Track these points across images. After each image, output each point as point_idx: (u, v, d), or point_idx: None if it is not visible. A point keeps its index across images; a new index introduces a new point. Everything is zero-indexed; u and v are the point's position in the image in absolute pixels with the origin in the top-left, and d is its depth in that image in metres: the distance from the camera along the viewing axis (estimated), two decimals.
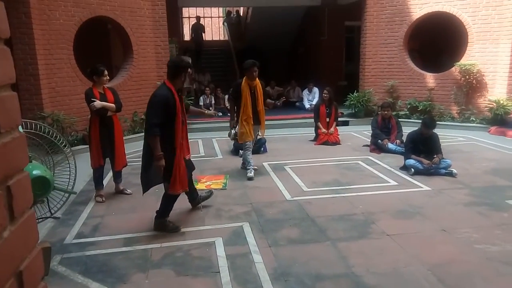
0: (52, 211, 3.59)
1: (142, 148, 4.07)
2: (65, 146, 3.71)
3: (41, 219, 3.41)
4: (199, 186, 5.51)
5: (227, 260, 3.48)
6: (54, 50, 7.75)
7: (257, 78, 5.71)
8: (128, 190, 5.31)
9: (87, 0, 8.17)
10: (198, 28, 16.28)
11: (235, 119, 5.98)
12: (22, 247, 0.99)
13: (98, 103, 4.78)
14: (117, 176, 5.28)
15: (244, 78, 5.77)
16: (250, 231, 4.05)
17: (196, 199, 4.67)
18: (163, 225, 4.13)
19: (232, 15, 19.12)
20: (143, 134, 7.71)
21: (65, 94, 7.98)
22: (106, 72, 5.02)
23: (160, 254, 3.64)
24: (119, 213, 4.68)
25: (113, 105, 4.95)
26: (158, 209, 4.19)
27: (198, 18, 17.03)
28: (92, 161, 5.03)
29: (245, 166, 6.07)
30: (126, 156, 5.44)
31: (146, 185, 4.10)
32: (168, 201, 4.16)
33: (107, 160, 5.13)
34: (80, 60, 8.39)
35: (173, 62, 4.06)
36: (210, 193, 4.81)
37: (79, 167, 5.63)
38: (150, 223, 4.28)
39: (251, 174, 5.83)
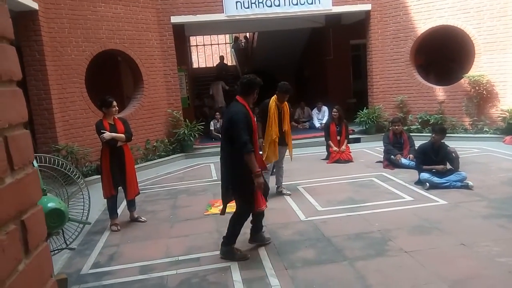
0: (68, 242, 3.61)
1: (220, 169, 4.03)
2: (78, 177, 3.77)
3: (56, 251, 3.44)
4: (212, 211, 5.52)
5: (244, 284, 3.45)
6: (67, 84, 7.97)
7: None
8: (143, 218, 5.34)
9: (97, 35, 8.43)
10: (222, 68, 17.38)
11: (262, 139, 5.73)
12: (37, 279, 1.01)
13: (107, 135, 4.86)
14: (130, 205, 5.31)
15: (273, 98, 5.72)
16: (265, 254, 4.01)
17: (260, 230, 4.24)
18: (231, 253, 3.95)
19: (239, 40, 19.49)
20: (156, 161, 7.77)
21: (78, 126, 8.15)
22: (114, 103, 5.07)
23: (176, 281, 3.62)
24: (134, 241, 4.70)
25: (122, 135, 5.02)
26: (224, 234, 4.01)
27: (221, 58, 18.13)
28: (103, 191, 5.08)
29: (279, 190, 6.05)
30: (139, 184, 5.49)
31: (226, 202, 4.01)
32: (236, 223, 3.97)
33: (121, 189, 5.18)
34: (93, 92, 8.59)
35: (247, 79, 3.98)
36: (269, 240, 4.32)
37: (94, 196, 5.68)
38: (165, 250, 4.30)
39: (286, 191, 5.98)
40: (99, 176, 7.88)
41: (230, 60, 20.40)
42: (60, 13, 7.83)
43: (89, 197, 3.94)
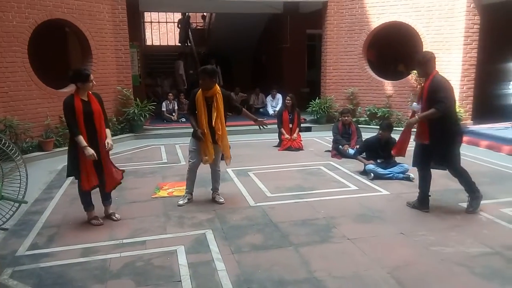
0: (0, 222, 3.38)
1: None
2: (16, 154, 3.53)
3: None
4: (160, 194, 5.42)
5: (189, 268, 3.42)
6: (7, 53, 7.39)
7: (216, 87, 4.76)
8: (117, 216, 4.57)
9: (42, 2, 7.87)
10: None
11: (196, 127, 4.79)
12: None
13: (89, 152, 4.07)
14: (106, 198, 4.56)
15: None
16: (213, 238, 4.01)
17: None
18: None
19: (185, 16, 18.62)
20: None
21: (19, 99, 7.62)
22: (92, 77, 4.24)
23: (120, 264, 3.52)
24: (76, 222, 4.50)
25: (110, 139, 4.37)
26: (467, 190, 4.65)
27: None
28: (83, 184, 4.23)
29: (213, 196, 5.16)
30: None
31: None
32: (466, 173, 4.64)
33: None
34: (36, 64, 8.06)
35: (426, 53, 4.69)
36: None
37: (36, 175, 5.39)
38: (110, 232, 4.17)
39: (181, 201, 5.01)
40: (42, 152, 7.58)
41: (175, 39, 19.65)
42: None
43: (26, 175, 3.71)
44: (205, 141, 4.78)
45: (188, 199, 5.07)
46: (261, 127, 5.21)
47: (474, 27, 9.16)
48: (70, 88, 8.50)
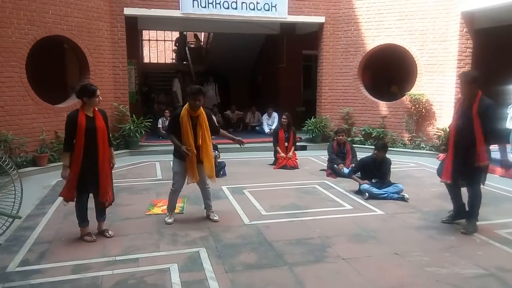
0: None
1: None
2: (11, 168, 3.51)
3: None
4: (154, 211, 5.39)
5: (182, 287, 3.38)
6: (4, 68, 7.42)
7: (201, 107, 4.78)
8: (110, 233, 4.50)
9: (42, 18, 7.96)
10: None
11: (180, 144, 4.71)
12: None
13: (65, 174, 4.14)
14: (100, 214, 4.48)
15: (185, 106, 4.73)
16: (206, 257, 3.97)
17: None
18: (476, 225, 4.67)
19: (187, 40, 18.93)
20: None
21: (15, 113, 7.62)
22: (98, 92, 4.24)
23: (112, 281, 3.47)
24: (69, 238, 4.45)
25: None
26: (468, 212, 4.71)
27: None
28: (63, 191, 4.26)
29: (208, 214, 5.14)
30: None
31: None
32: (480, 197, 4.63)
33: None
34: (34, 79, 8.09)
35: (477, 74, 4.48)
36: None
37: (29, 190, 5.33)
38: (102, 249, 4.12)
39: (169, 219, 4.95)
40: (36, 167, 7.53)
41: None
42: None
43: (21, 190, 3.69)
44: (191, 161, 4.72)
45: (173, 216, 5.04)
46: (240, 146, 5.36)
47: (467, 50, 9.34)
48: (67, 104, 8.54)
